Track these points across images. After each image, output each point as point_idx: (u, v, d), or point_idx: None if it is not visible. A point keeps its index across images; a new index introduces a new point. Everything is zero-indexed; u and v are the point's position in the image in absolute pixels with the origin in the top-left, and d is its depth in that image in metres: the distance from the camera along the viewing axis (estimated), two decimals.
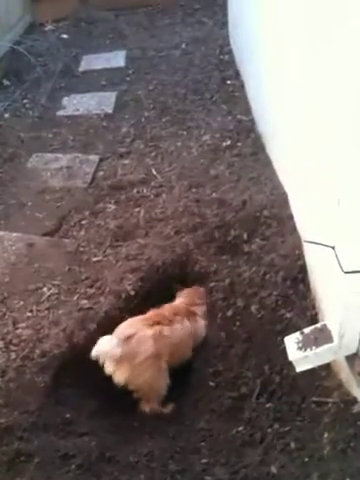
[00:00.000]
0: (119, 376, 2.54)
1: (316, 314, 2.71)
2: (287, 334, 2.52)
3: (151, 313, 2.79)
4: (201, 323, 2.92)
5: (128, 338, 2.55)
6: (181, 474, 2.18)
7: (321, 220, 2.36)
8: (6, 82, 5.92)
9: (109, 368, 2.54)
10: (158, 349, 2.59)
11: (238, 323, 2.81)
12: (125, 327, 2.67)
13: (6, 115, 5.24)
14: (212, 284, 3.06)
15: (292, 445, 2.18)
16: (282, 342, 2.58)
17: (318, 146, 2.47)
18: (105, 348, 2.52)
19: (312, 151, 2.60)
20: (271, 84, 3.70)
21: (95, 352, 2.51)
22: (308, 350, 2.07)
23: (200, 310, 2.97)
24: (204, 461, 2.25)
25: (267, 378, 2.53)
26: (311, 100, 2.59)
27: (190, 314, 2.89)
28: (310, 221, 2.72)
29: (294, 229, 3.20)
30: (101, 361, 2.53)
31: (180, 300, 2.99)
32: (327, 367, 2.44)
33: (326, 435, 2.12)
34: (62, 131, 4.86)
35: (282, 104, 3.37)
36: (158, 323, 2.69)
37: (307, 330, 2.15)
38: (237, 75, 5.34)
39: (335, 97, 2.13)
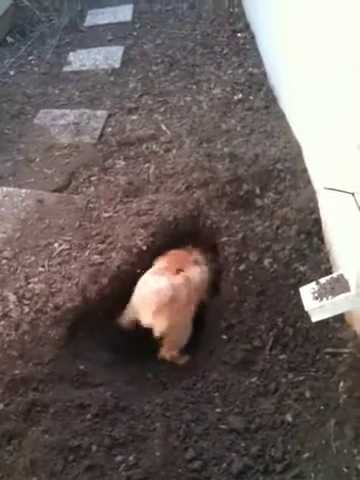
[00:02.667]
0: (160, 323, 2.54)
1: (330, 267, 2.68)
2: (300, 287, 2.51)
3: (168, 262, 2.78)
4: (205, 269, 2.91)
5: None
6: (196, 423, 2.20)
7: (339, 168, 2.30)
8: (10, 39, 5.77)
9: (148, 317, 2.55)
10: (189, 294, 2.61)
11: (251, 277, 2.79)
12: (154, 276, 2.68)
13: (11, 72, 5.12)
14: (224, 239, 3.02)
15: (307, 394, 2.19)
16: (295, 296, 2.58)
17: (335, 93, 2.38)
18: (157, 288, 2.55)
19: (329, 98, 2.51)
20: (283, 34, 3.56)
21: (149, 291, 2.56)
22: (324, 299, 2.03)
23: (199, 258, 2.95)
24: (218, 411, 2.26)
25: (280, 331, 2.53)
26: (326, 47, 2.48)
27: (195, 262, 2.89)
28: (327, 171, 2.65)
29: (308, 182, 3.13)
30: (145, 301, 2.56)
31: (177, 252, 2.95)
32: (341, 319, 2.43)
33: (342, 384, 2.13)
34: (68, 87, 4.74)
35: (295, 54, 3.24)
36: (180, 270, 2.70)
37: (323, 280, 2.10)
38: (247, 27, 5.16)
39: (353, 40, 2.03)
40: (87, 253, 3.03)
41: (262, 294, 2.70)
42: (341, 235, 2.53)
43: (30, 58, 5.36)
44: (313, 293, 2.11)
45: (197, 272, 2.77)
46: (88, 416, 2.20)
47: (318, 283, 2.13)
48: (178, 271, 2.69)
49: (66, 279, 2.85)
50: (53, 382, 2.37)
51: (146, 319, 2.56)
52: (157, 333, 2.56)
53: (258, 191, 3.22)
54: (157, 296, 2.53)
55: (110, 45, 5.39)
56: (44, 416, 2.20)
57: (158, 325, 2.55)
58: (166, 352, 2.64)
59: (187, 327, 2.66)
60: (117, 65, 4.96)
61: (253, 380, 2.36)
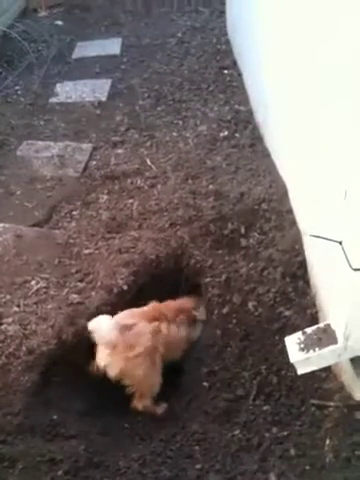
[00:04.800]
0: (113, 367, 2.45)
1: (317, 312, 2.60)
2: (285, 333, 2.42)
3: (151, 308, 2.70)
4: (198, 330, 2.84)
5: (127, 328, 2.47)
6: None
7: (325, 214, 2.24)
8: None
9: (103, 358, 2.45)
10: (154, 344, 2.52)
11: (234, 321, 2.70)
12: (124, 317, 2.58)
13: None
14: (208, 279, 2.93)
15: (292, 451, 2.07)
16: (280, 341, 2.49)
17: (322, 135, 2.35)
18: (102, 325, 2.43)
19: (315, 140, 2.48)
20: (270, 73, 3.58)
21: (91, 326, 2.44)
22: (311, 351, 1.96)
23: (201, 316, 2.87)
24: (198, 467, 2.14)
25: (264, 379, 2.42)
26: (315, 88, 2.46)
27: (191, 318, 2.81)
28: (313, 215, 2.60)
29: (293, 223, 3.08)
30: (95, 339, 2.44)
31: (184, 302, 2.87)
32: (327, 369, 2.33)
33: (328, 442, 2.02)
34: (54, 118, 4.71)
35: (282, 93, 3.24)
36: (156, 319, 2.61)
37: (309, 330, 2.03)
38: (234, 65, 5.22)
39: (341, 82, 2.01)
40: (65, 292, 2.92)
41: (246, 339, 2.61)
42: (328, 280, 2.45)
43: (17, 88, 5.34)
44: (299, 344, 2.04)
45: (176, 329, 2.69)
46: (59, 473, 2.06)
47: (304, 333, 2.07)
48: (154, 319, 2.60)
49: (42, 320, 2.73)
50: (23, 434, 2.23)
51: (100, 361, 2.47)
52: (111, 377, 2.47)
53: (243, 231, 3.16)
54: (111, 340, 2.42)
55: (97, 78, 5.42)
56: (11, 472, 2.05)
57: (110, 369, 2.46)
58: (137, 402, 2.54)
59: (152, 377, 2.55)
60: (104, 98, 4.96)
61: (235, 433, 2.24)
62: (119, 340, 2.41)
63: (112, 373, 2.45)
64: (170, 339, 2.63)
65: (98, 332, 2.41)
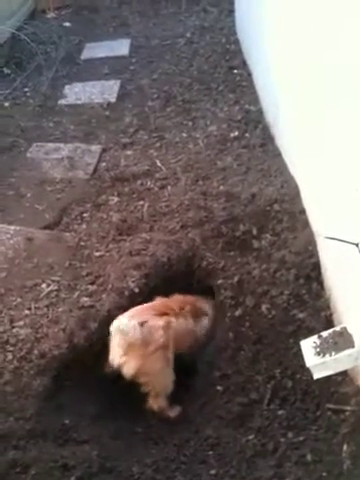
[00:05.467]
0: (129, 366, 2.42)
1: (331, 314, 2.56)
2: (299, 336, 2.39)
3: (158, 303, 2.69)
4: (205, 322, 2.81)
5: (140, 324, 2.45)
6: None
7: (340, 214, 2.21)
8: (6, 70, 5.75)
9: (118, 357, 2.42)
10: (167, 340, 2.49)
11: (247, 323, 2.67)
12: (133, 315, 2.54)
13: (6, 104, 5.08)
14: (220, 281, 2.91)
15: (308, 457, 2.04)
16: (294, 344, 2.46)
17: (334, 134, 2.32)
18: (125, 327, 2.40)
19: (327, 139, 2.44)
20: (280, 72, 3.54)
21: (115, 328, 2.42)
22: (327, 356, 1.92)
23: (208, 309, 2.85)
24: (212, 472, 2.11)
25: (278, 383, 2.39)
26: (325, 87, 2.43)
27: (197, 311, 2.78)
28: (326, 216, 2.56)
29: (306, 224, 3.04)
30: (115, 341, 2.42)
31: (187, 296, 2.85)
32: (343, 372, 2.28)
33: (345, 448, 1.98)
34: (63, 120, 4.70)
35: (292, 93, 3.21)
36: (165, 313, 2.59)
37: (325, 333, 1.99)
38: (244, 64, 5.18)
39: (353, 79, 1.97)
40: (76, 295, 2.90)
41: (259, 342, 2.58)
42: (342, 281, 2.42)
43: (26, 90, 5.34)
44: (315, 347, 1.99)
45: (183, 322, 2.67)
46: (72, 479, 2.04)
47: (320, 337, 2.02)
48: (163, 314, 2.58)
49: (53, 323, 2.71)
50: (35, 438, 2.21)
51: (115, 360, 2.45)
52: (127, 376, 2.44)
53: (255, 232, 3.13)
54: (127, 337, 2.40)
55: (106, 79, 5.41)
56: (24, 478, 2.03)
57: (126, 368, 2.43)
58: (153, 402, 2.51)
59: (167, 374, 2.52)
60: (113, 99, 4.95)
61: (250, 438, 2.21)
62: (129, 339, 2.39)
63: (128, 372, 2.43)
64: (178, 332, 2.60)
65: (123, 332, 2.39)
